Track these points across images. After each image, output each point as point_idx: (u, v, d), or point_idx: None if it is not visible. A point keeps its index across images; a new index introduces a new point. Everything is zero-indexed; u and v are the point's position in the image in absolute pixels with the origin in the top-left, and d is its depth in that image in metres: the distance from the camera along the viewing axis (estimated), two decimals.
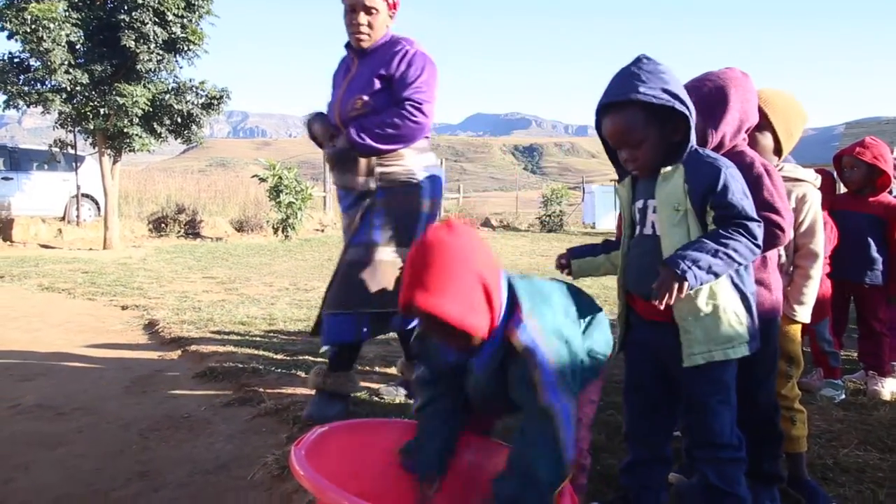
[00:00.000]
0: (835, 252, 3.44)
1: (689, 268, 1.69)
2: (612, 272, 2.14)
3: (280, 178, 12.64)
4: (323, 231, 15.52)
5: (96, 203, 13.31)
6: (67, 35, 9.47)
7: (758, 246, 1.77)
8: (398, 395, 3.27)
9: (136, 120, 10.20)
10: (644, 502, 2.07)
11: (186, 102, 10.69)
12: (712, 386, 1.88)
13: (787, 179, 2.33)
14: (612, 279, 2.20)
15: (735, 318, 1.84)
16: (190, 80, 10.94)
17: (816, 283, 2.40)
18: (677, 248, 1.77)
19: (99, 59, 9.97)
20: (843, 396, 3.53)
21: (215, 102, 11.08)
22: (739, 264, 1.79)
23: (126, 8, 9.84)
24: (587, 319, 1.98)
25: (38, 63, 9.66)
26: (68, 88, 9.82)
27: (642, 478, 2.08)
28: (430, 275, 1.58)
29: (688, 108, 1.83)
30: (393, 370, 3.76)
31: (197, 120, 10.96)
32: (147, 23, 9.75)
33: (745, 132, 2.12)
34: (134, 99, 9.86)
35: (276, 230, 13.13)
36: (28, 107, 10.16)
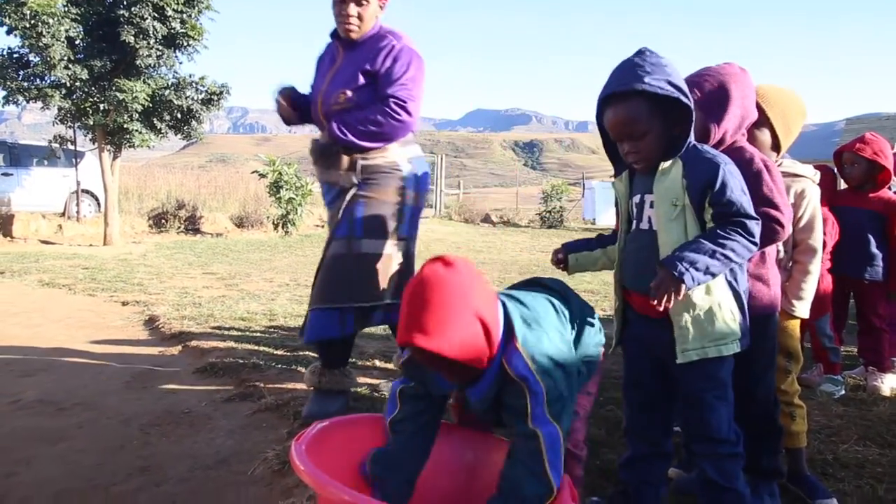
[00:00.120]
0: (835, 248, 3.45)
1: (687, 270, 1.70)
2: (609, 267, 2.15)
3: (280, 173, 12.64)
4: (323, 227, 15.48)
5: (96, 199, 13.28)
6: (67, 30, 9.45)
7: (755, 244, 1.78)
8: None
9: (135, 115, 10.17)
10: (643, 497, 2.08)
11: (186, 98, 10.66)
12: (708, 382, 1.89)
13: (785, 175, 2.33)
14: (610, 274, 2.21)
15: (729, 316, 1.85)
16: (190, 76, 10.90)
17: (815, 279, 2.41)
18: (675, 249, 1.78)
19: (98, 55, 9.94)
20: (843, 392, 3.54)
21: (215, 98, 11.06)
22: (736, 263, 1.80)
23: (125, 3, 9.82)
24: (578, 326, 1.96)
25: (38, 58, 9.63)
26: (68, 84, 9.79)
27: (642, 473, 2.09)
28: (428, 315, 1.55)
29: (691, 101, 1.83)
30: (392, 366, 3.78)
31: (197, 115, 10.94)
32: (146, 18, 9.72)
33: (745, 128, 2.13)
34: (133, 94, 9.83)
35: (276, 226, 13.14)
36: (27, 102, 10.14)
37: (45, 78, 9.89)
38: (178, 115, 10.80)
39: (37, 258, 8.56)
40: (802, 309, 2.39)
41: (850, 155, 3.61)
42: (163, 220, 13.70)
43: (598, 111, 1.93)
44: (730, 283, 1.86)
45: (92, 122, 10.26)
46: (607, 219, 21.24)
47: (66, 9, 9.54)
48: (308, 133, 3.26)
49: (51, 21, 9.21)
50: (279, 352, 4.02)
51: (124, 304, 5.64)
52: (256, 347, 4.11)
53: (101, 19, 9.97)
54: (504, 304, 1.74)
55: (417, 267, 3.03)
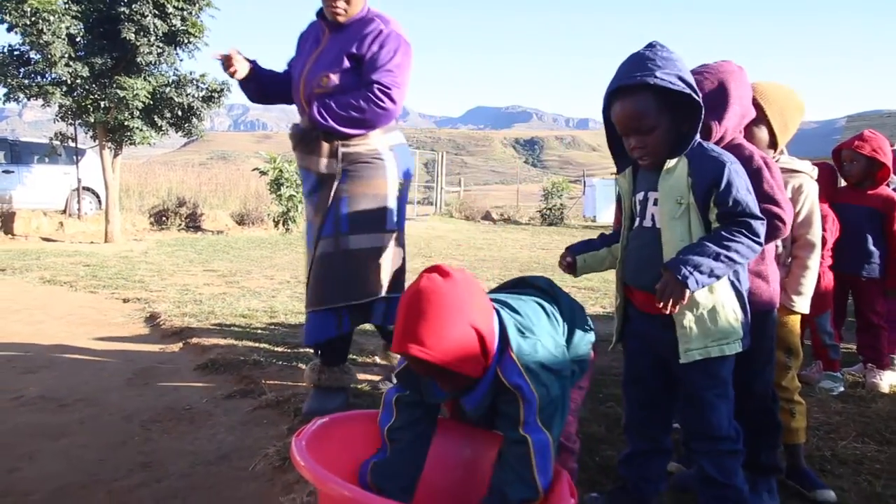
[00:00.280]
0: (835, 245, 3.46)
1: (691, 273, 1.70)
2: (615, 266, 2.14)
3: (281, 171, 12.63)
4: None
5: (97, 196, 13.30)
6: (67, 28, 9.45)
7: (759, 244, 1.78)
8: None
9: (136, 113, 10.18)
10: (643, 492, 2.10)
11: (187, 95, 10.67)
12: (709, 380, 1.89)
13: (783, 171, 2.34)
14: (610, 272, 2.21)
15: (732, 315, 1.86)
16: (190, 73, 10.92)
17: (814, 274, 2.42)
18: (679, 251, 1.78)
19: (99, 52, 9.94)
20: (842, 389, 3.56)
21: (216, 95, 11.06)
22: (740, 264, 1.80)
23: (126, 0, 9.82)
24: (569, 326, 1.97)
25: (39, 56, 9.63)
26: (68, 81, 9.80)
27: (641, 469, 2.11)
28: (424, 325, 1.56)
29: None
30: (393, 362, 3.78)
31: (197, 113, 10.94)
32: (147, 15, 9.72)
33: (743, 126, 2.14)
34: (134, 92, 9.84)
35: (276, 223, 13.14)
36: (28, 100, 10.14)
37: (46, 75, 9.90)
38: (179, 113, 10.80)
39: (38, 255, 8.56)
40: (802, 304, 2.40)
41: (848, 152, 3.62)
42: (164, 218, 13.72)
43: (606, 104, 1.92)
44: (732, 283, 1.87)
45: (93, 120, 10.27)
46: (608, 216, 21.30)
47: (67, 6, 9.54)
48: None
49: (51, 18, 9.21)
50: (279, 348, 4.03)
51: (125, 301, 5.65)
52: (257, 344, 4.11)
53: (101, 17, 9.97)
54: (498, 313, 1.75)
55: (409, 260, 3.01)
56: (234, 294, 6.04)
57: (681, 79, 1.78)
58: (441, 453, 1.96)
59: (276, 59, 3.56)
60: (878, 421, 3.06)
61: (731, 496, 1.90)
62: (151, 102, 10.36)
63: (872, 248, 3.60)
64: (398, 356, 3.02)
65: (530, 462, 1.65)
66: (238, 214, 14.93)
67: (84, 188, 12.95)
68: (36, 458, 2.48)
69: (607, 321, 5.00)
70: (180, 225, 13.61)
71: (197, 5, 10.38)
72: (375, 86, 2.72)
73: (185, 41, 10.52)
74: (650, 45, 1.85)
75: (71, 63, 9.66)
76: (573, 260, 2.18)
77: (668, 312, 1.76)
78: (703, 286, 1.75)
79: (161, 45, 10.21)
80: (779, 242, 2.30)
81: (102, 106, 10.04)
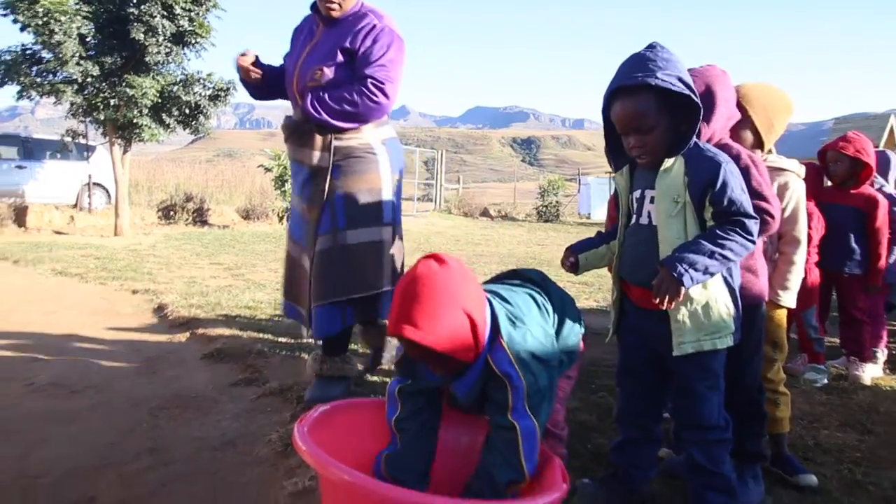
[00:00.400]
0: (820, 242, 3.52)
1: (686, 271, 1.74)
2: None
3: (285, 167, 12.56)
4: None
5: (107, 191, 13.36)
6: (78, 27, 9.50)
7: (752, 242, 1.82)
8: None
9: (145, 111, 10.24)
10: (633, 479, 2.15)
11: (194, 94, 10.71)
12: (701, 373, 1.94)
13: (771, 169, 2.39)
14: (605, 267, 2.27)
15: (724, 310, 1.90)
16: (198, 73, 10.96)
17: (800, 269, 2.45)
18: (675, 249, 1.82)
19: (109, 52, 10.01)
20: (826, 381, 3.62)
21: (222, 94, 11.09)
22: (733, 262, 1.84)
23: (135, 1, 9.87)
24: (559, 317, 2.00)
25: (51, 55, 9.68)
26: (79, 80, 9.87)
27: (632, 456, 2.15)
28: (418, 308, 1.59)
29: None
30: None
31: (204, 111, 10.98)
32: (155, 16, 9.78)
33: (728, 128, 2.18)
34: (143, 90, 9.90)
35: (281, 218, 13.19)
36: (41, 97, 10.20)
37: (58, 74, 9.93)
38: (187, 111, 10.84)
39: (50, 248, 8.60)
40: (788, 299, 2.44)
41: (833, 153, 3.67)
42: (171, 212, 13.75)
43: (606, 103, 1.95)
44: (725, 279, 1.91)
45: (103, 117, 10.33)
46: (602, 213, 21.32)
47: (78, 7, 9.58)
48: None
49: (63, 19, 9.26)
50: (283, 339, 4.05)
51: (134, 292, 5.66)
52: (261, 335, 4.14)
53: (111, 17, 10.02)
54: (490, 303, 1.78)
55: (408, 255, 3.03)
56: (240, 286, 6.05)
57: (680, 80, 1.81)
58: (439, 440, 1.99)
59: (276, 55, 3.60)
60: (860, 412, 3.12)
61: (719, 483, 1.95)
62: (160, 101, 10.41)
63: (855, 245, 3.67)
64: (375, 344, 3.05)
65: (518, 447, 1.70)
66: (243, 210, 14.96)
67: (94, 183, 13.03)
68: (48, 442, 2.52)
69: (601, 315, 5.07)
70: (187, 219, 13.64)
71: (204, 6, 10.42)
72: (369, 80, 2.71)
73: (193, 41, 10.56)
74: (651, 46, 1.87)
75: (82, 62, 9.73)
76: (576, 259, 2.20)
77: (663, 308, 1.81)
78: (698, 283, 1.79)
79: (169, 44, 10.26)
80: (765, 238, 2.35)
81: (112, 104, 10.10)
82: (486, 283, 2.05)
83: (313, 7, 2.91)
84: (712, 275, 1.82)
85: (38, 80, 9.93)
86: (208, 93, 11.00)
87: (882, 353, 3.94)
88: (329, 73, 2.75)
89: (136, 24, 9.75)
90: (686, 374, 1.96)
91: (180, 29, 10.26)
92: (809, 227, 2.73)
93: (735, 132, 2.30)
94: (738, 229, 1.80)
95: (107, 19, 10.02)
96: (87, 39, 9.94)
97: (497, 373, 1.71)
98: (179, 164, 22.88)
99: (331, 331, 2.87)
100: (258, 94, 3.10)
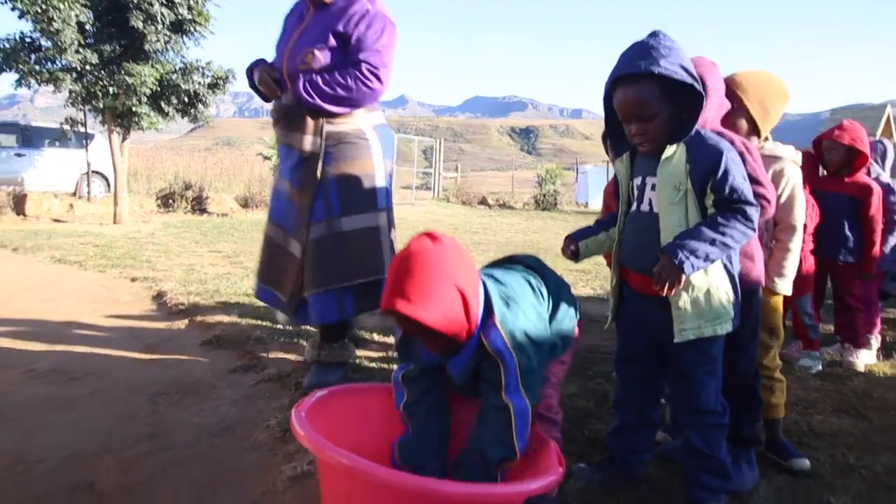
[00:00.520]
0: (815, 230, 3.54)
1: (687, 258, 1.76)
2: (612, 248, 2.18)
3: None
4: None
5: (106, 179, 13.36)
6: (77, 15, 9.46)
7: (753, 229, 1.83)
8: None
9: (144, 99, 10.21)
10: (629, 464, 2.18)
11: (193, 82, 10.67)
12: (701, 358, 1.96)
13: (768, 157, 2.39)
14: (602, 256, 2.28)
15: (725, 297, 1.91)
16: (196, 61, 10.91)
17: (796, 256, 2.46)
18: (676, 236, 1.83)
19: (108, 40, 9.97)
20: (820, 367, 3.65)
21: (221, 83, 11.06)
22: (733, 249, 1.85)
23: None
24: (554, 302, 2.01)
25: (49, 43, 9.65)
26: (78, 68, 9.83)
27: (630, 441, 2.18)
28: (410, 283, 1.61)
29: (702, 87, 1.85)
30: (392, 339, 3.84)
31: (203, 99, 10.95)
32: (154, 4, 9.73)
33: (719, 118, 2.18)
34: (142, 78, 9.87)
35: None
36: (39, 85, 10.15)
37: (57, 62, 9.90)
38: (185, 99, 10.81)
39: (49, 236, 8.58)
40: (784, 286, 2.44)
41: (829, 142, 3.68)
42: (170, 201, 13.75)
43: (608, 90, 1.94)
44: (725, 266, 1.92)
45: (102, 105, 10.30)
46: (600, 202, 21.33)
47: None
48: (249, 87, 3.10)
49: (61, 6, 9.21)
50: (281, 326, 4.04)
51: (133, 280, 5.66)
52: (260, 322, 4.15)
53: (110, 5, 9.96)
54: (484, 283, 1.80)
55: (404, 242, 3.07)
56: (238, 274, 6.05)
57: (683, 68, 1.81)
58: None
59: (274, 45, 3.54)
60: (854, 397, 3.15)
61: (715, 467, 1.98)
62: (158, 89, 10.38)
63: (849, 233, 3.69)
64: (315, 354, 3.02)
65: (510, 426, 1.72)
66: (242, 198, 14.95)
67: (93, 171, 13.01)
68: (48, 428, 2.53)
69: (598, 302, 5.09)
70: (186, 208, 13.63)
71: None
72: (364, 65, 2.70)
73: (192, 29, 10.51)
74: (653, 34, 1.87)
75: (81, 50, 9.69)
76: (576, 247, 2.21)
77: (664, 295, 1.82)
78: (699, 270, 1.80)
79: (168, 33, 10.21)
80: (761, 224, 2.36)
81: (111, 92, 10.07)
82: (484, 267, 2.05)
83: None
84: (713, 262, 1.83)
85: (37, 67, 9.90)
86: (207, 81, 10.97)
87: (876, 340, 3.96)
88: (321, 57, 2.73)
89: (135, 11, 9.70)
90: (686, 360, 1.97)
91: (179, 17, 10.21)
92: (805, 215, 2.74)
93: (730, 120, 2.30)
94: (738, 217, 1.81)
95: (105, 7, 9.98)
96: (86, 27, 9.90)
97: (490, 351, 1.72)
98: (178, 152, 22.84)
99: (329, 318, 2.86)
100: (271, 98, 3.04)
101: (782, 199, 2.41)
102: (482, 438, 1.78)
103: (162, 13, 9.84)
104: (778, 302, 2.49)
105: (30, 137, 13.47)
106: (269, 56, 3.02)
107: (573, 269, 6.53)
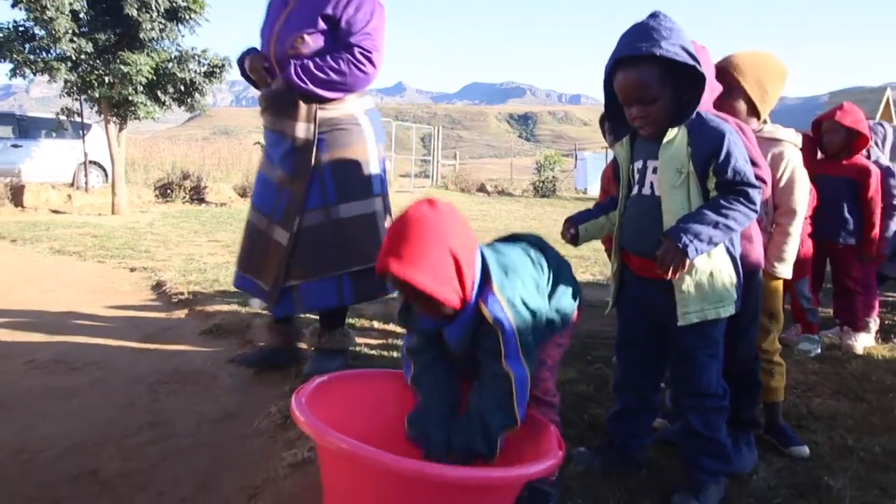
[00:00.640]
0: (813, 213, 3.54)
1: (691, 241, 1.75)
2: (612, 232, 2.17)
3: None
4: None
5: (104, 170, 13.33)
6: (71, 4, 9.41)
7: (755, 211, 1.82)
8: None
9: (139, 88, 10.19)
10: (629, 447, 2.18)
11: (189, 71, 10.64)
12: (703, 341, 1.96)
13: (767, 140, 2.38)
14: (600, 241, 2.27)
15: (728, 280, 1.91)
16: (192, 49, 10.88)
17: (796, 240, 2.45)
18: (679, 220, 1.82)
19: (102, 28, 9.92)
20: (819, 350, 3.66)
21: (217, 71, 11.03)
22: (736, 231, 1.84)
23: None
24: (554, 277, 2.00)
25: (43, 32, 9.61)
26: (73, 57, 9.79)
27: (630, 425, 2.19)
28: (405, 245, 1.62)
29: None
30: (392, 327, 3.86)
31: (199, 88, 10.92)
32: None
33: (713, 100, 2.16)
34: (137, 67, 9.83)
35: None
36: (34, 75, 10.11)
37: (51, 51, 9.86)
38: (182, 88, 10.79)
39: (47, 227, 8.58)
40: (784, 270, 2.43)
41: (829, 123, 3.67)
42: (168, 191, 13.75)
43: (608, 73, 1.92)
44: (727, 248, 1.91)
45: (97, 95, 10.27)
46: (599, 188, 21.36)
47: None
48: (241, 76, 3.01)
49: None
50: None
51: (132, 270, 5.67)
52: (259, 310, 4.09)
53: None
54: (483, 253, 1.80)
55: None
56: None
57: (684, 49, 1.79)
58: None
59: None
60: (852, 380, 3.16)
61: (715, 449, 1.98)
62: (154, 78, 10.35)
63: (848, 216, 3.69)
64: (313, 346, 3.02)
65: (511, 394, 1.73)
66: (240, 187, 14.92)
67: (91, 162, 12.96)
68: (49, 417, 2.54)
69: (598, 288, 5.10)
70: (184, 197, 13.64)
71: None
72: (356, 49, 2.66)
73: (187, 17, 10.47)
74: (653, 15, 1.85)
75: (75, 39, 9.64)
76: (576, 231, 2.19)
77: (668, 279, 1.82)
78: (702, 253, 1.80)
79: (163, 21, 10.16)
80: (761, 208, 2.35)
81: (107, 81, 10.03)
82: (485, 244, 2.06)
83: None
84: (716, 245, 1.83)
85: (32, 57, 9.86)
86: (203, 69, 10.95)
87: (874, 323, 3.97)
88: (312, 41, 2.68)
89: None
90: (687, 343, 1.97)
91: (174, 5, 10.18)
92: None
93: (728, 103, 2.29)
94: (741, 199, 1.80)
95: None
96: (80, 16, 9.85)
97: (488, 318, 1.73)
98: (176, 141, 22.82)
99: (327, 304, 2.85)
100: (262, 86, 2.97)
101: (782, 183, 2.40)
102: (482, 405, 1.78)
103: (156, 1, 9.77)
104: (778, 286, 2.48)
105: (26, 128, 13.41)
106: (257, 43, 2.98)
107: (572, 255, 6.52)
